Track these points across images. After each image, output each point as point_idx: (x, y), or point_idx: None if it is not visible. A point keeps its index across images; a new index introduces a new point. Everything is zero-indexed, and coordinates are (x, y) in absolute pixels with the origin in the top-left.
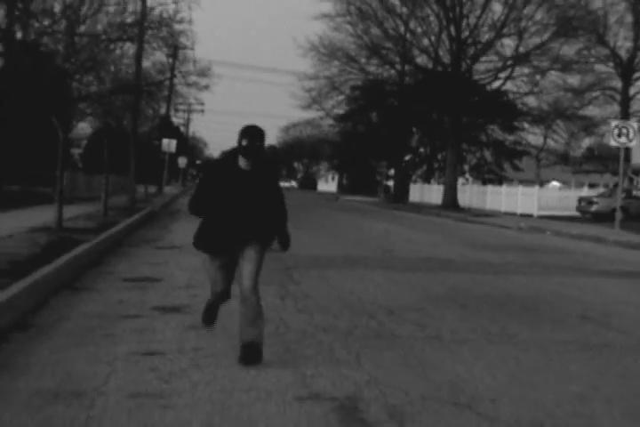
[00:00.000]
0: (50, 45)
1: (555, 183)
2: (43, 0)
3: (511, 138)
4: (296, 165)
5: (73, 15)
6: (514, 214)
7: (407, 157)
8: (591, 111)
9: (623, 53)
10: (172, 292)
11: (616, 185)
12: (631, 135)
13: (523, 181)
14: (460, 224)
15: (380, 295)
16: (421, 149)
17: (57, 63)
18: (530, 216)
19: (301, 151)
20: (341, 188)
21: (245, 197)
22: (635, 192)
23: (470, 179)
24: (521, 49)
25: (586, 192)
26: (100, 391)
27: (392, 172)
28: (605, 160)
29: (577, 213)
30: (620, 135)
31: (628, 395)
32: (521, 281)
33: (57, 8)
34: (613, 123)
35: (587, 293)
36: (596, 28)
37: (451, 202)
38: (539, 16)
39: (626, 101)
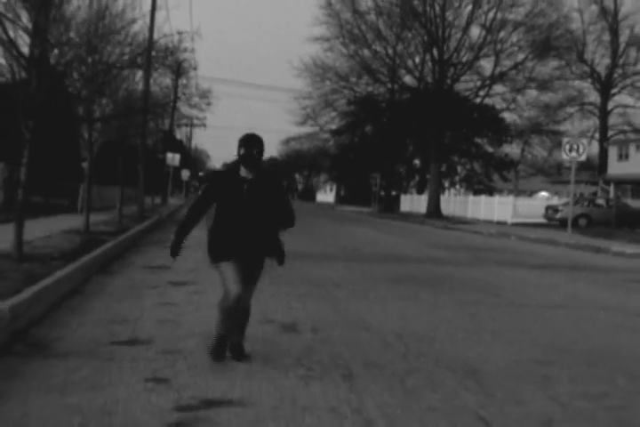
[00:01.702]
0: (67, 72)
1: (543, 193)
2: (60, 33)
3: (499, 150)
4: (297, 176)
5: (88, 45)
6: (491, 222)
7: (401, 169)
8: (567, 126)
9: (602, 70)
10: (180, 274)
11: (582, 195)
12: (581, 150)
13: (512, 191)
14: (437, 231)
15: (335, 276)
16: (416, 161)
17: (74, 88)
18: (505, 223)
19: (302, 163)
20: (339, 198)
21: (248, 204)
22: (597, 200)
23: (462, 189)
24: (498, 69)
25: (556, 201)
26: (138, 319)
27: (385, 183)
28: (588, 170)
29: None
30: (570, 150)
31: (470, 327)
32: (451, 269)
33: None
34: (565, 139)
35: (503, 278)
36: (577, 46)
37: (434, 211)
38: (515, 38)
39: (604, 115)
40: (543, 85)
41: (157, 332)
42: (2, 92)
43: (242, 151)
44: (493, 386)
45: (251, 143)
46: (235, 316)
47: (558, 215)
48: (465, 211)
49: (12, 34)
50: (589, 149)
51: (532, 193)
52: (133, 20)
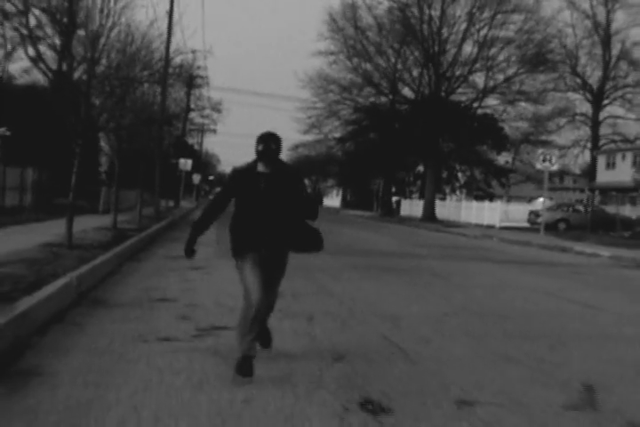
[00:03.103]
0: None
1: (541, 199)
2: (84, 50)
3: (498, 158)
4: (306, 181)
5: (111, 62)
6: (481, 226)
7: (404, 175)
8: (559, 136)
9: (594, 82)
10: (196, 261)
11: (581, 201)
12: (553, 161)
13: (512, 197)
14: (428, 233)
15: (322, 264)
16: (420, 168)
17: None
18: (493, 227)
19: (310, 168)
20: (345, 203)
21: (266, 198)
22: (576, 206)
23: (462, 195)
24: (491, 82)
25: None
26: (165, 288)
27: (394, 189)
28: (581, 177)
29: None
30: (544, 160)
31: (409, 296)
32: (421, 262)
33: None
34: (539, 151)
35: (459, 269)
36: (570, 60)
37: (430, 215)
38: (506, 54)
39: (596, 126)
40: (532, 98)
41: (180, 295)
42: (34, 111)
43: (260, 148)
44: (402, 324)
45: (269, 140)
46: (255, 324)
47: (539, 219)
48: (458, 215)
49: (41, 50)
50: (581, 158)
51: (531, 199)
52: (152, 41)
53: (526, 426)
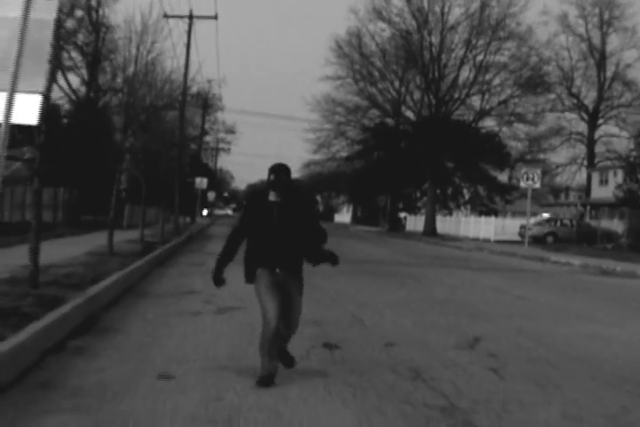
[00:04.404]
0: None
1: (545, 214)
2: (109, 81)
3: (502, 175)
4: (318, 197)
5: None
6: (477, 239)
7: (412, 192)
8: (554, 155)
9: (589, 102)
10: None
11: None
12: (536, 179)
13: (515, 213)
14: (426, 246)
15: (318, 269)
16: (427, 185)
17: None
18: (488, 240)
19: (322, 185)
20: (355, 219)
21: (278, 226)
22: (564, 220)
23: (467, 211)
24: (488, 105)
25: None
26: (191, 285)
27: (401, 205)
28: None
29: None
30: (527, 179)
31: (382, 290)
32: (404, 268)
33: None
34: (523, 169)
35: (436, 273)
36: (566, 81)
37: (430, 230)
38: (502, 78)
39: (591, 144)
40: (527, 120)
41: (203, 289)
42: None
43: (271, 177)
44: (369, 307)
45: (279, 171)
46: (275, 342)
47: (529, 233)
48: (458, 230)
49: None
50: (578, 175)
51: (534, 214)
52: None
53: (422, 355)
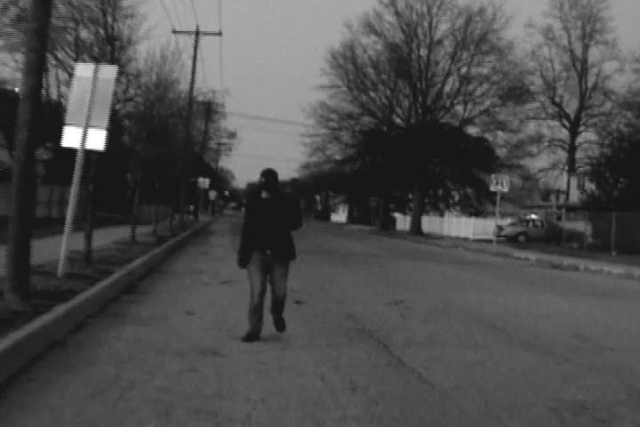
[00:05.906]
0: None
1: (533, 215)
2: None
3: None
4: (317, 197)
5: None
6: (458, 238)
7: (402, 193)
8: (540, 159)
9: (571, 111)
10: (216, 256)
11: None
12: (505, 184)
13: (504, 214)
14: (408, 243)
15: (304, 259)
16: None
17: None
18: (467, 239)
19: (320, 186)
20: (351, 218)
21: (267, 218)
22: (535, 221)
23: (456, 212)
24: (472, 114)
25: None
26: (200, 266)
27: (393, 206)
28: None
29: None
30: (497, 184)
31: (350, 273)
32: (374, 259)
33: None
34: (492, 175)
35: (402, 264)
36: (549, 91)
37: (416, 229)
38: (484, 89)
39: (572, 150)
40: (506, 128)
41: (209, 269)
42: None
43: (262, 180)
44: (334, 283)
45: (268, 175)
46: (257, 312)
47: (502, 233)
48: (441, 229)
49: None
50: (560, 179)
51: (511, 215)
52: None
53: (359, 307)
